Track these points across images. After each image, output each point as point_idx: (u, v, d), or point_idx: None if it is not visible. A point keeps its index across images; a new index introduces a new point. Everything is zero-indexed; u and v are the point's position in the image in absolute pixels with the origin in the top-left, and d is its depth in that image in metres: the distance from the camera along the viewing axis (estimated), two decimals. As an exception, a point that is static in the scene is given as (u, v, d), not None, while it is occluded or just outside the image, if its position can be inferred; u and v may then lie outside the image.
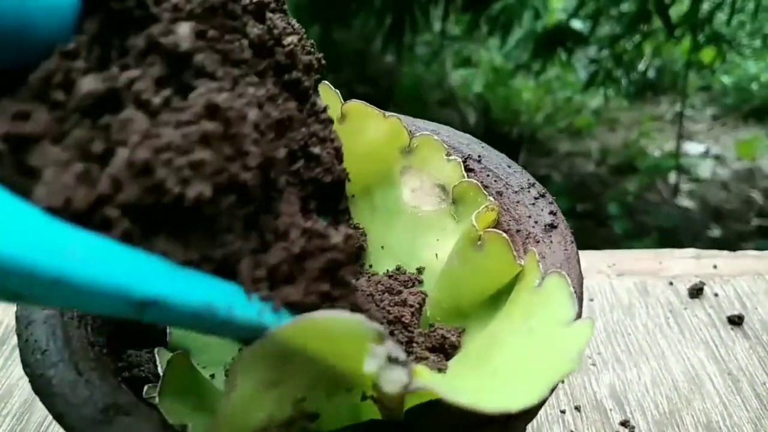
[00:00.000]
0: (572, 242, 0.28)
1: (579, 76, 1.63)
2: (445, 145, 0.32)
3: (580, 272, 0.26)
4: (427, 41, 1.70)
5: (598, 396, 0.39)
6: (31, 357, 0.23)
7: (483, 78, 1.61)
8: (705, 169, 1.70)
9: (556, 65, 1.50)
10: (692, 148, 1.73)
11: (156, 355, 0.25)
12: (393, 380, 0.17)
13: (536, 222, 0.29)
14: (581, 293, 0.25)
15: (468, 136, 0.33)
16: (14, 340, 0.44)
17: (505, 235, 0.26)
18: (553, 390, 0.19)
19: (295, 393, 0.21)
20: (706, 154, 1.70)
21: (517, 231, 0.29)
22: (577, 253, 0.28)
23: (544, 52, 1.41)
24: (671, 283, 0.46)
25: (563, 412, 0.39)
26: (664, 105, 1.79)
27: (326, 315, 0.18)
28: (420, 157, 0.32)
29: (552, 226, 0.28)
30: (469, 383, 0.20)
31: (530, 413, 0.23)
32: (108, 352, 0.26)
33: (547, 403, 0.39)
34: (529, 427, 0.38)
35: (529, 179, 0.31)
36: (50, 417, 0.39)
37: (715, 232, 1.44)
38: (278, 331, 0.18)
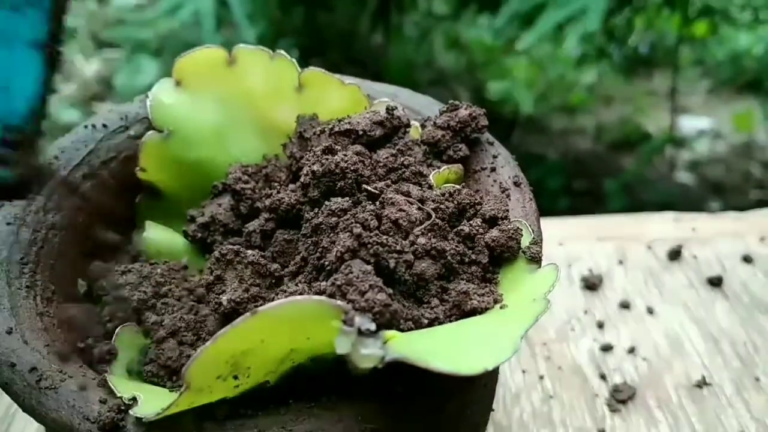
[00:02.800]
0: (531, 200, 0.28)
1: (571, 52, 1.62)
2: (406, 110, 0.31)
3: (540, 227, 0.26)
4: (415, 21, 1.68)
5: (577, 360, 0.39)
6: (-25, 326, 0.23)
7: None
8: (702, 144, 1.69)
9: (546, 44, 1.49)
10: (688, 122, 1.73)
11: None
12: (368, 356, 0.17)
13: (495, 181, 0.29)
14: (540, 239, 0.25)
15: (427, 97, 0.33)
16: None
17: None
18: (522, 336, 0.19)
19: (256, 380, 0.21)
20: (703, 129, 1.70)
21: (476, 191, 0.28)
22: (537, 210, 0.27)
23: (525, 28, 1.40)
24: (650, 247, 0.46)
25: (542, 377, 0.39)
26: (657, 80, 1.78)
27: (283, 303, 0.18)
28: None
29: (516, 184, 0.28)
30: (442, 346, 0.20)
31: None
32: (58, 324, 0.25)
33: (525, 369, 0.39)
34: (507, 393, 0.38)
35: (488, 138, 0.30)
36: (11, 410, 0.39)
37: (714, 206, 1.44)
38: (238, 325, 0.18)
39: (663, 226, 0.47)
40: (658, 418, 0.36)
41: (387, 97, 0.32)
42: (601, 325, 0.41)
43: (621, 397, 0.37)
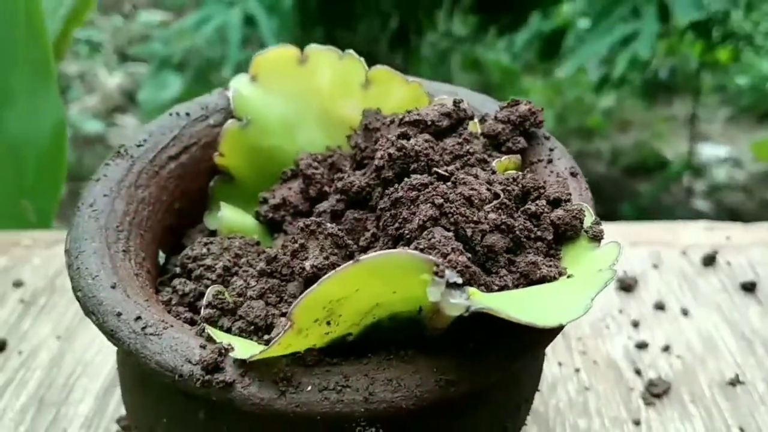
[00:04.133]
0: (587, 189, 0.31)
1: (589, 76, 1.66)
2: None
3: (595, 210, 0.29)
4: (433, 42, 1.73)
5: (612, 356, 0.42)
6: (82, 282, 0.26)
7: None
8: (720, 172, 1.72)
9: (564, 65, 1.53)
10: (707, 149, 1.75)
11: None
12: (456, 304, 0.20)
13: (552, 171, 0.31)
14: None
15: (484, 96, 0.36)
16: (41, 301, 0.47)
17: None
18: (593, 299, 0.22)
19: (343, 330, 0.24)
20: (721, 157, 1.72)
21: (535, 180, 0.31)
22: (592, 199, 0.30)
23: (551, 52, 1.44)
24: (684, 253, 0.49)
25: (577, 370, 0.41)
26: (677, 106, 1.81)
27: (382, 254, 0.21)
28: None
29: (572, 174, 0.31)
30: (518, 303, 0.23)
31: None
32: (149, 285, 0.28)
33: (561, 362, 0.41)
34: (544, 382, 0.40)
35: (544, 133, 0.33)
36: (75, 371, 0.41)
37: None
38: (340, 273, 0.20)
39: (697, 234, 0.50)
40: (692, 413, 0.39)
41: (446, 94, 0.35)
42: (636, 324, 0.44)
43: (656, 391, 0.39)
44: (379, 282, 0.22)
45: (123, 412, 0.39)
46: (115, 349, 0.43)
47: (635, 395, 0.39)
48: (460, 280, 0.21)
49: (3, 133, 0.63)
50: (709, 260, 0.48)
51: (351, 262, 0.21)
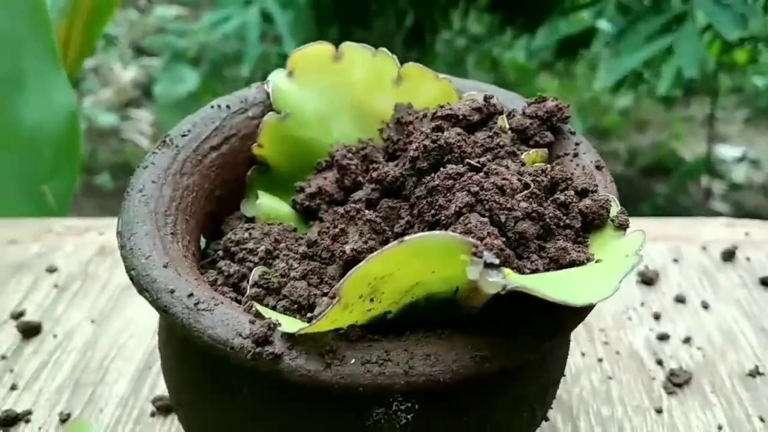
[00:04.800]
0: (612, 182, 0.32)
1: (605, 76, 1.67)
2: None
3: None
4: (448, 40, 1.75)
5: (634, 346, 0.43)
6: (135, 261, 0.28)
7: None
8: (738, 173, 1.72)
9: (581, 65, 1.54)
10: (724, 150, 1.76)
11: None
12: (493, 283, 0.22)
13: (578, 165, 0.33)
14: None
15: (512, 93, 0.37)
16: (74, 286, 0.49)
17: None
18: (621, 281, 0.23)
19: (384, 307, 0.25)
20: (740, 158, 1.73)
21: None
22: (617, 192, 0.32)
23: (568, 52, 1.45)
24: (704, 248, 0.50)
25: (600, 360, 0.42)
26: (694, 106, 1.82)
27: (425, 236, 0.22)
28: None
29: (598, 168, 0.32)
30: (550, 283, 0.24)
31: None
32: (195, 266, 0.30)
33: (584, 352, 0.43)
34: (567, 372, 0.42)
35: (570, 128, 0.35)
36: (110, 353, 0.43)
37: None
38: (386, 251, 0.22)
39: (716, 230, 0.51)
40: (712, 402, 0.40)
41: (474, 91, 0.37)
42: (657, 317, 0.45)
43: (677, 381, 0.41)
44: (421, 261, 0.24)
45: (158, 393, 0.41)
46: (149, 332, 0.45)
47: (657, 385, 0.41)
48: (497, 261, 0.23)
49: (19, 119, 0.65)
50: (729, 255, 0.49)
51: (396, 241, 0.22)
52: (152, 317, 0.46)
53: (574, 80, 1.72)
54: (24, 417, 0.40)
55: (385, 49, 0.37)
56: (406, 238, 0.23)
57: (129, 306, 0.47)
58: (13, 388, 0.42)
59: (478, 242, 0.23)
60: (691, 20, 0.91)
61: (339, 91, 0.37)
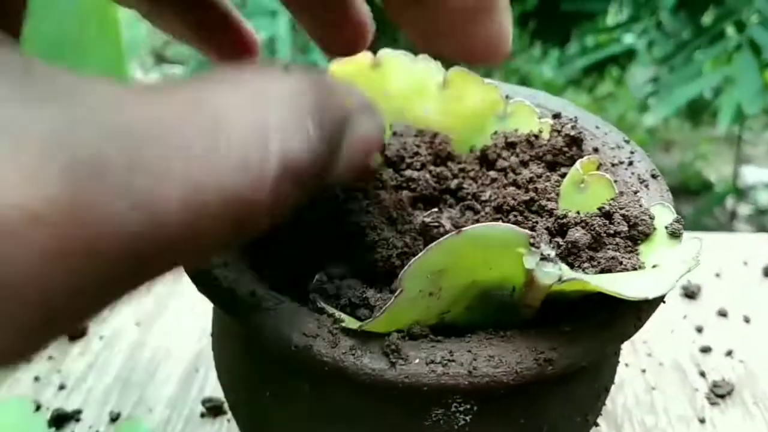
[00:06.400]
0: (667, 191, 0.33)
1: (633, 93, 1.67)
2: (539, 109, 0.36)
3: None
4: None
5: (677, 358, 0.43)
6: (201, 260, 0.29)
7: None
8: (764, 195, 1.70)
9: (608, 82, 1.54)
10: (751, 172, 1.74)
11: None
12: (549, 274, 0.22)
13: (632, 173, 0.33)
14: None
15: (563, 99, 0.38)
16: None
17: (608, 176, 0.31)
18: (677, 281, 0.24)
19: (443, 305, 0.26)
20: (766, 181, 1.71)
21: (615, 182, 0.33)
22: (672, 200, 0.32)
23: (595, 67, 1.46)
24: (746, 263, 0.50)
25: (644, 371, 0.42)
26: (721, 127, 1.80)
27: (484, 226, 0.23)
28: (514, 121, 0.37)
29: (653, 176, 0.33)
30: (606, 279, 0.25)
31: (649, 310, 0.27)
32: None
33: (627, 363, 0.43)
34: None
35: (624, 137, 0.35)
36: (156, 355, 0.44)
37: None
38: (443, 242, 0.23)
39: (758, 245, 0.51)
40: (753, 413, 0.40)
41: (523, 98, 0.37)
42: (699, 330, 0.45)
43: (720, 392, 0.41)
44: (478, 254, 0.24)
45: (207, 394, 0.41)
46: (194, 335, 0.46)
47: (700, 395, 0.41)
48: (553, 253, 0.23)
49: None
50: (771, 271, 0.49)
51: (454, 232, 0.23)
52: (197, 320, 0.47)
53: (602, 97, 1.72)
54: (75, 416, 0.40)
55: (426, 55, 0.37)
56: (465, 228, 0.23)
57: (173, 308, 0.48)
58: (62, 387, 0.42)
59: (536, 234, 0.23)
60: (748, 50, 0.89)
61: (379, 98, 0.37)
